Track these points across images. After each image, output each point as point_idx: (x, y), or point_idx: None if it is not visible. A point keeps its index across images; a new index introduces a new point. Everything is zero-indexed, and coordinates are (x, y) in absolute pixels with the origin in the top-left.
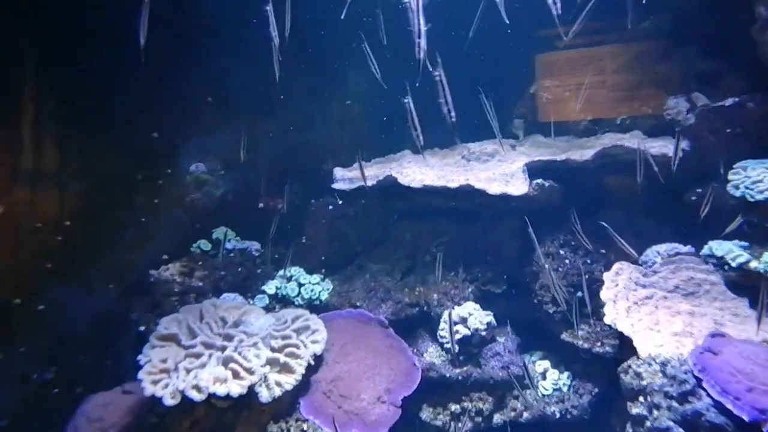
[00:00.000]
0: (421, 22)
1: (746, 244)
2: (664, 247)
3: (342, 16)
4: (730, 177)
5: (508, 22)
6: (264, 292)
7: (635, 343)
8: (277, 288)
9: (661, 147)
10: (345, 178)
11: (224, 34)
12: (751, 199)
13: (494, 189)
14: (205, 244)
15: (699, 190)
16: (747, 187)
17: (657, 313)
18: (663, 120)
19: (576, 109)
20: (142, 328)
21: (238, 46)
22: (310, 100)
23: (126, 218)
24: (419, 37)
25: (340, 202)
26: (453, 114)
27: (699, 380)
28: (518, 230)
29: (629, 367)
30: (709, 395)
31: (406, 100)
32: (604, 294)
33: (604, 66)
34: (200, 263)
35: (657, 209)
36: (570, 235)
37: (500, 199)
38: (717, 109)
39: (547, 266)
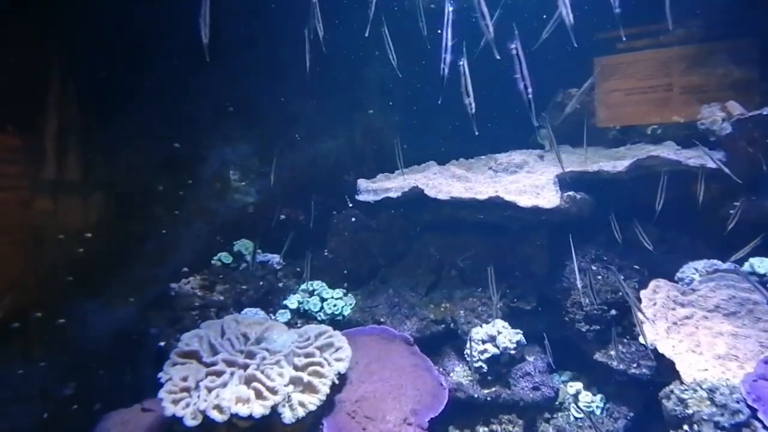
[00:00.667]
0: (449, 36)
1: None
2: (702, 264)
3: (366, 34)
4: None
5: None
6: (286, 306)
7: (678, 367)
8: (299, 302)
9: (698, 158)
10: (369, 189)
11: (249, 47)
12: None
13: (525, 201)
14: (226, 257)
15: (736, 203)
16: None
17: (698, 334)
18: (697, 129)
19: (641, 112)
20: (162, 344)
21: (262, 59)
22: (333, 110)
23: (147, 230)
24: (445, 52)
25: (350, 205)
26: (530, 90)
27: (754, 410)
28: (548, 244)
29: (672, 392)
30: (765, 427)
31: (461, 63)
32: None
33: (670, 68)
34: (221, 276)
35: (690, 223)
36: (602, 249)
37: (530, 212)
38: (754, 119)
39: (579, 283)
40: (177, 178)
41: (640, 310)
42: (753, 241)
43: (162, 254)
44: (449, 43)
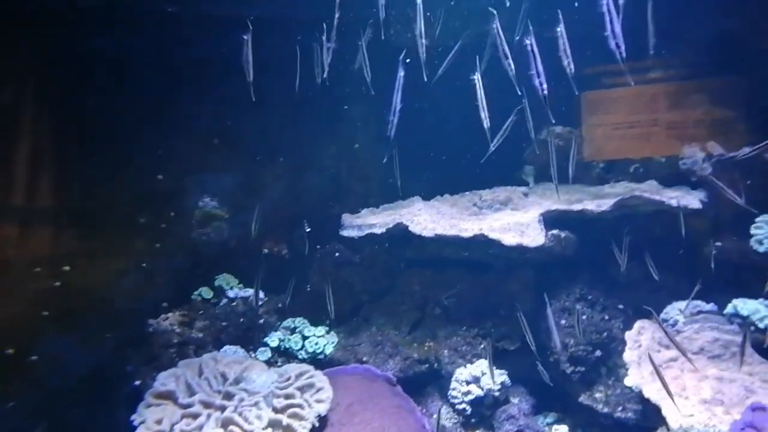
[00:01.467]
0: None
1: None
2: (685, 305)
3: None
4: (753, 231)
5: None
6: (266, 344)
7: (664, 412)
8: (280, 340)
9: (680, 198)
10: (353, 224)
11: (233, 76)
12: None
13: (509, 240)
14: (206, 292)
15: (718, 244)
16: None
17: (683, 378)
18: (678, 168)
19: (625, 147)
20: (138, 383)
21: (246, 88)
22: (319, 143)
23: (127, 264)
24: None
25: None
26: (545, 86)
27: None
28: (532, 282)
29: None
30: None
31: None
32: (627, 356)
33: (654, 105)
34: (201, 312)
35: (674, 263)
36: (587, 288)
37: (515, 250)
38: (734, 160)
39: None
40: (159, 210)
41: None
42: (695, 287)
43: (142, 289)
44: (398, 107)
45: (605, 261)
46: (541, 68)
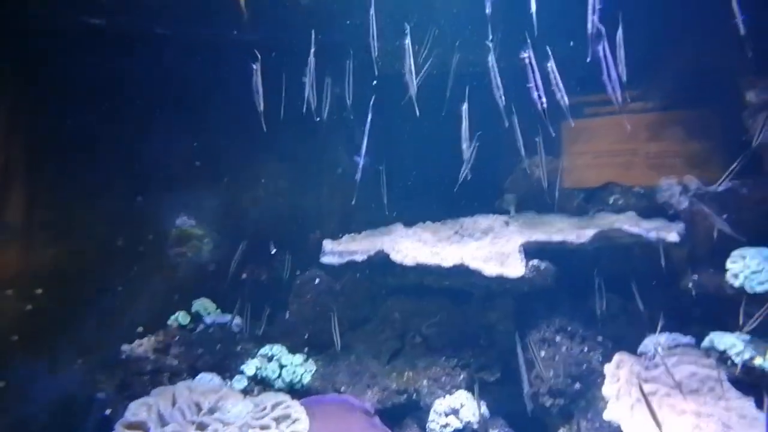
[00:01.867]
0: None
1: (748, 337)
2: (664, 338)
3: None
4: (728, 265)
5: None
6: (243, 372)
7: None
8: (257, 368)
9: (658, 231)
10: (334, 251)
11: (215, 98)
12: (751, 291)
13: (490, 270)
14: (183, 317)
15: (695, 277)
16: (747, 277)
17: (662, 412)
18: (656, 200)
19: (605, 175)
20: (108, 412)
21: (228, 110)
22: (302, 167)
23: (103, 287)
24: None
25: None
26: (544, 100)
27: None
28: (512, 312)
29: None
30: None
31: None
32: (606, 390)
33: (635, 135)
34: (177, 338)
35: (652, 295)
36: (566, 319)
37: (495, 280)
38: (710, 194)
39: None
40: (137, 233)
41: None
42: (660, 322)
43: (117, 313)
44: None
45: (585, 292)
46: (539, 82)
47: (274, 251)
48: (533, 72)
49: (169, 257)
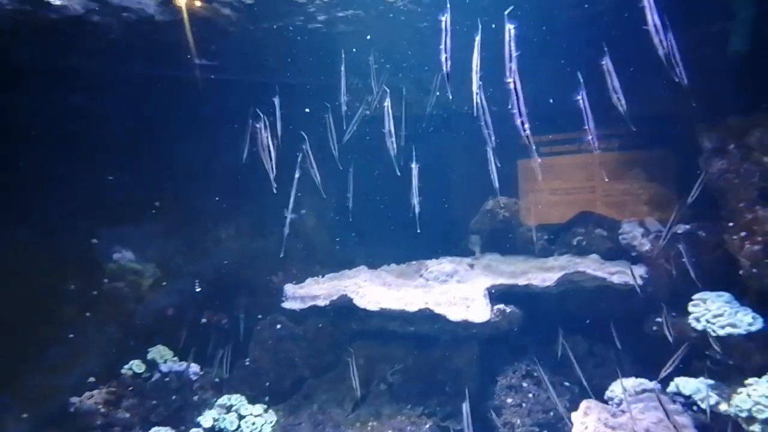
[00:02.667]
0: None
1: (712, 382)
2: (630, 383)
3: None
4: (690, 309)
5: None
6: (199, 424)
7: None
8: (214, 420)
9: (621, 274)
10: (296, 296)
11: (179, 142)
12: (713, 334)
13: (455, 315)
14: (138, 366)
15: (658, 320)
16: (708, 321)
17: None
18: (619, 243)
19: (561, 212)
20: None
21: (191, 154)
22: (265, 208)
23: (53, 334)
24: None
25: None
26: (527, 126)
27: None
28: (478, 357)
29: None
30: None
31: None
32: None
33: (591, 173)
34: (130, 389)
35: (617, 338)
36: (533, 364)
37: (460, 326)
38: (670, 237)
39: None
40: (92, 277)
41: None
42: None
43: (67, 362)
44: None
45: (551, 335)
46: (523, 108)
47: (198, 289)
48: (517, 98)
49: (126, 304)
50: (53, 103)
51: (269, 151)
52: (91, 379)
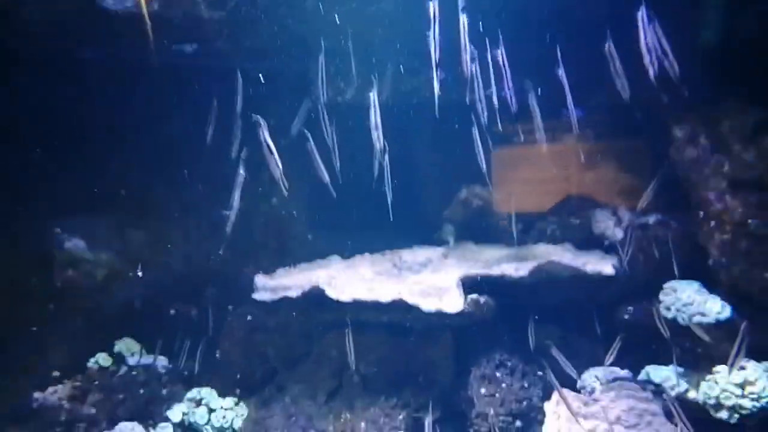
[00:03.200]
0: None
1: (682, 369)
2: (601, 372)
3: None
4: (661, 297)
5: None
6: (168, 419)
7: None
8: (183, 414)
9: (594, 263)
10: (267, 287)
11: (146, 130)
12: (683, 323)
13: (428, 305)
14: (104, 359)
15: (630, 308)
16: (678, 310)
17: None
18: (592, 232)
19: (535, 202)
20: None
21: (159, 141)
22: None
23: (14, 328)
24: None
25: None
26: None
27: None
28: (451, 348)
29: None
30: None
31: None
32: (547, 428)
33: (564, 163)
34: (96, 383)
35: (590, 327)
36: (507, 354)
37: (434, 315)
38: (642, 226)
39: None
40: (54, 269)
41: None
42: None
43: (29, 357)
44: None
45: (525, 324)
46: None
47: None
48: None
49: (92, 296)
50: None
51: (275, 155)
52: (56, 373)
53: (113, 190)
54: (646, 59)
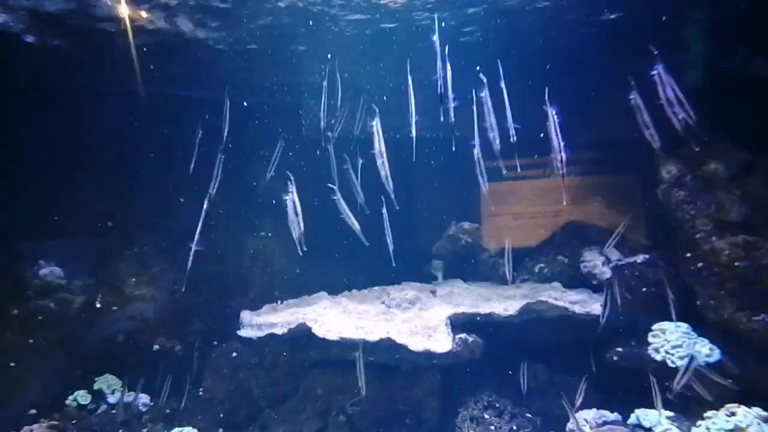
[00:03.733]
0: None
1: (672, 414)
2: (591, 414)
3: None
4: (650, 339)
5: None
6: None
7: None
8: None
9: (583, 303)
10: (253, 323)
11: (132, 157)
12: (672, 365)
13: (416, 345)
14: (83, 397)
15: (619, 350)
16: (667, 352)
17: None
18: (580, 271)
19: (523, 236)
20: None
21: (146, 171)
22: (223, 229)
23: None
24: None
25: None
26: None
27: None
28: (439, 388)
29: None
30: None
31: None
32: None
33: (552, 198)
34: (74, 422)
35: (578, 366)
36: (494, 395)
37: (422, 355)
38: (630, 266)
39: None
40: (36, 301)
41: None
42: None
43: (7, 392)
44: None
45: (513, 364)
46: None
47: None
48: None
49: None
50: None
51: (299, 217)
52: (32, 411)
53: (96, 216)
54: (668, 111)
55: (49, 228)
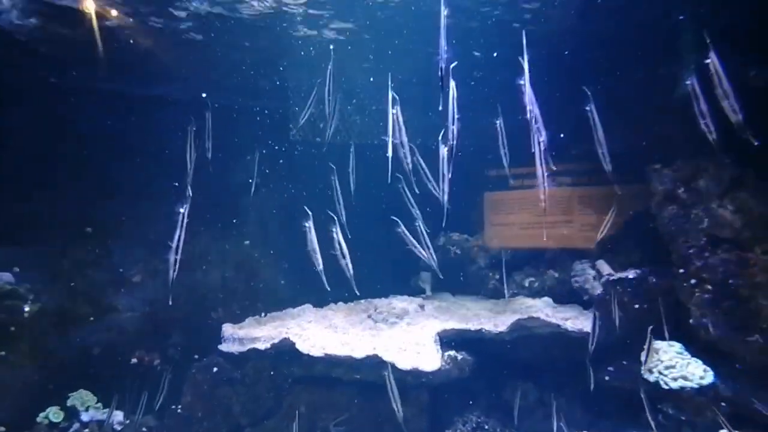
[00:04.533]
0: None
1: None
2: None
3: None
4: (642, 358)
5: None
6: None
7: None
8: None
9: (575, 320)
10: (235, 337)
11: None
12: (665, 387)
13: (404, 362)
14: (55, 414)
15: (611, 369)
16: (661, 372)
17: None
18: (571, 285)
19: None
20: None
21: (125, 177)
22: (206, 238)
23: None
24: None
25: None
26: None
27: None
28: (427, 406)
29: None
30: None
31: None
32: None
33: (558, 206)
34: None
35: (568, 385)
36: (483, 415)
37: (410, 374)
38: (621, 281)
39: None
40: (8, 310)
41: None
42: None
43: None
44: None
45: (502, 384)
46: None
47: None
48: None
49: (46, 341)
50: None
51: (317, 254)
52: (1, 429)
53: (72, 224)
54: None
55: (16, 235)
